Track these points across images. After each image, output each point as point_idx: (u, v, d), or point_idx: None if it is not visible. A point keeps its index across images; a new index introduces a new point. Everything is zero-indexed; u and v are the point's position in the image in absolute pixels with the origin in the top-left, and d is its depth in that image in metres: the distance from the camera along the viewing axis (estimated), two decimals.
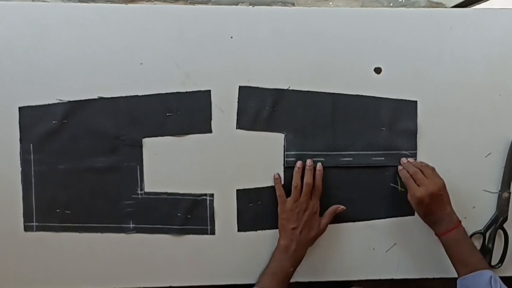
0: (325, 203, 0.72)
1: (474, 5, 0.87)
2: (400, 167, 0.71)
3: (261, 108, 0.71)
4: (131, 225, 0.72)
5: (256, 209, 0.72)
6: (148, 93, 0.70)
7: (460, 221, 0.68)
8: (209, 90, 0.71)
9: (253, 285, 0.68)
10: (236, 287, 0.73)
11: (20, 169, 0.70)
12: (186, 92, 0.71)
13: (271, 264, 0.69)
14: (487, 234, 0.75)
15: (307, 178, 0.70)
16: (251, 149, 0.72)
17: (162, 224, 0.72)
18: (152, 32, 0.70)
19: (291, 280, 0.70)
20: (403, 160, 0.72)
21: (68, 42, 0.69)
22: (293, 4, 0.88)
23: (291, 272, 0.68)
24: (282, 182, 0.71)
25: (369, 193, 0.74)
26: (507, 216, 0.75)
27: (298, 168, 0.70)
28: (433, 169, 0.70)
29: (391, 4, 0.90)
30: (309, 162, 0.71)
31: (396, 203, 0.73)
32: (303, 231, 0.69)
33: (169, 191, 0.71)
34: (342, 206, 0.72)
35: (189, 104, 0.71)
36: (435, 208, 0.67)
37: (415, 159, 0.73)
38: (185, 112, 0.71)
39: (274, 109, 0.72)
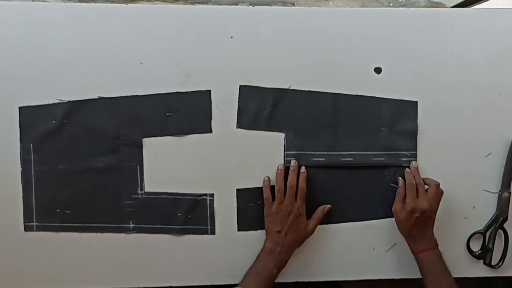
0: (325, 204, 0.73)
1: (474, 5, 0.87)
2: (407, 170, 0.71)
3: (261, 107, 0.71)
4: (131, 225, 0.72)
5: (256, 208, 0.72)
6: (148, 93, 0.70)
7: (437, 245, 0.69)
8: (209, 90, 0.71)
9: (236, 285, 0.68)
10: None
11: (20, 169, 0.70)
12: (186, 92, 0.71)
13: (255, 264, 0.69)
14: (487, 234, 0.75)
15: (290, 180, 0.70)
16: (251, 149, 0.72)
17: (162, 224, 0.72)
18: (152, 32, 0.70)
19: (287, 281, 0.71)
20: (414, 164, 0.72)
21: (68, 42, 0.69)
22: (293, 4, 0.88)
23: (275, 273, 0.68)
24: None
25: (369, 193, 0.74)
26: (507, 216, 0.75)
27: (280, 170, 0.70)
28: (437, 193, 0.70)
29: (391, 4, 0.90)
30: (293, 163, 0.71)
31: None
32: (288, 234, 0.69)
33: (169, 191, 0.71)
34: (328, 205, 0.72)
35: (189, 104, 0.71)
36: (421, 224, 0.68)
37: (415, 160, 0.73)
38: (185, 112, 0.71)
39: (274, 109, 0.72)
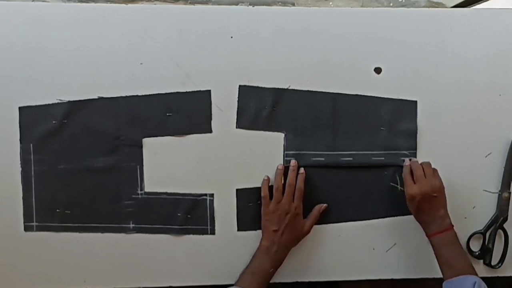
0: (324, 204, 0.72)
1: (474, 5, 0.87)
2: (406, 163, 0.71)
3: (261, 107, 0.71)
4: (131, 225, 0.72)
5: (256, 208, 0.72)
6: (148, 93, 0.70)
7: (452, 226, 0.68)
8: (209, 90, 0.71)
9: (232, 284, 0.68)
10: None
11: (20, 169, 0.70)
12: (186, 92, 0.71)
13: (251, 263, 0.69)
14: (487, 234, 0.75)
15: (290, 179, 0.70)
16: (251, 149, 0.72)
17: (162, 224, 0.72)
18: (152, 32, 0.70)
19: (286, 281, 0.71)
20: (413, 159, 0.72)
21: (68, 42, 0.69)
22: (293, 4, 0.88)
23: (271, 272, 0.68)
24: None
25: (369, 192, 0.74)
26: (507, 216, 0.75)
27: (279, 169, 0.70)
28: (434, 170, 0.70)
29: (391, 4, 0.90)
30: (292, 162, 0.71)
31: (396, 203, 0.73)
32: (285, 233, 0.69)
33: (169, 191, 0.71)
34: (325, 204, 0.72)
35: (189, 104, 0.71)
36: (426, 208, 0.68)
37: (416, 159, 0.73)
38: (185, 112, 0.71)
39: (274, 109, 0.72)
